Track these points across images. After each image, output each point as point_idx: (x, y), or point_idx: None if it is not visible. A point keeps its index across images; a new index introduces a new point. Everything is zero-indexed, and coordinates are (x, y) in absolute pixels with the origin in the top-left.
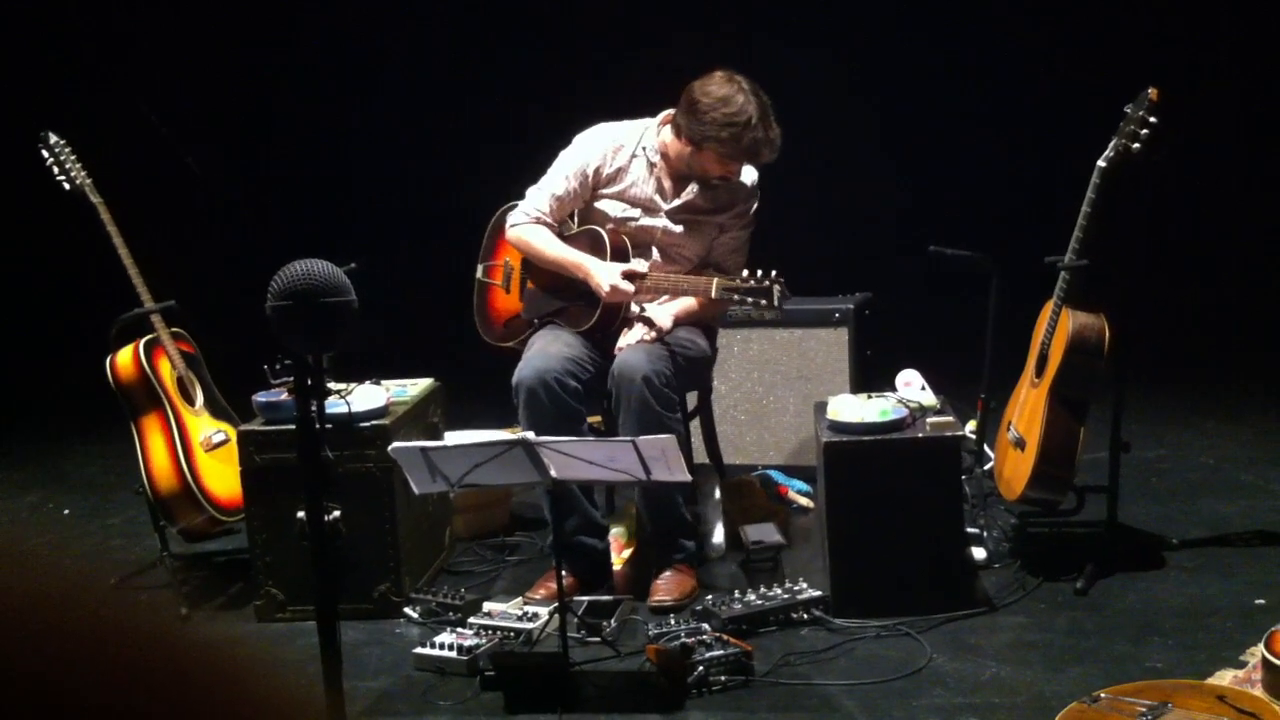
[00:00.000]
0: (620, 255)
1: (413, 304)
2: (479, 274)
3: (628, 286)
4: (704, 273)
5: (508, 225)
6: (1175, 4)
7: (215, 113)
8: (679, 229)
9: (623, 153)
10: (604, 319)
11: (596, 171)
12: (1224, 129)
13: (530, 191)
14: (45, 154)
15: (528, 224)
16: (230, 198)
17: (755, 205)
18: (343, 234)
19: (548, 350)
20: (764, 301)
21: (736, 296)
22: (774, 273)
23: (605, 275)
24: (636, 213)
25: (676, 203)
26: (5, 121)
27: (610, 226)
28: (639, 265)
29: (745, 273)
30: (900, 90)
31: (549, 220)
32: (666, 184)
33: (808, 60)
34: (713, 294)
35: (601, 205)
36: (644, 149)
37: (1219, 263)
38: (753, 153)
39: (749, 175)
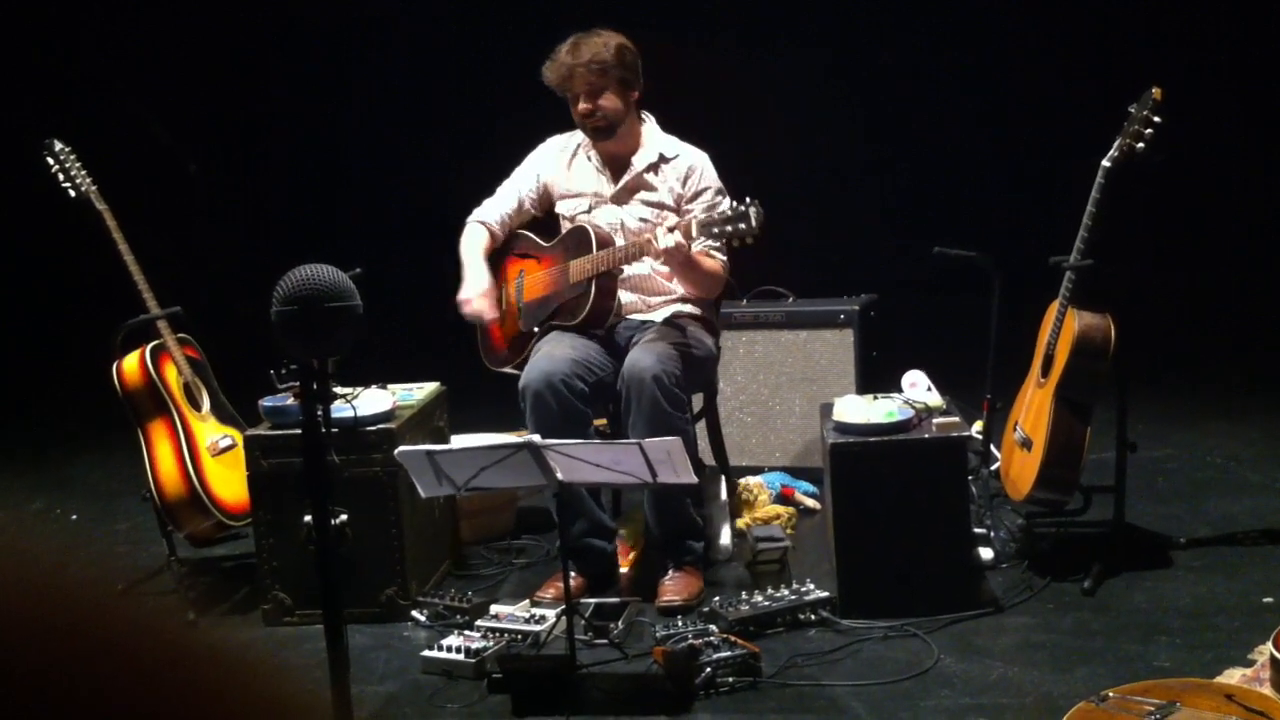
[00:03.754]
0: (606, 246)
1: (417, 308)
2: None
3: (473, 306)
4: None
5: (467, 226)
6: (1179, 2)
7: (216, 117)
8: (632, 215)
9: (565, 154)
10: (597, 307)
11: (546, 186)
12: (1229, 127)
13: (485, 201)
14: (50, 161)
15: (472, 223)
16: (232, 201)
17: (709, 186)
18: (346, 238)
19: (554, 353)
20: (743, 226)
21: (715, 229)
22: (748, 198)
23: (465, 293)
24: (585, 204)
25: (615, 187)
26: (10, 129)
27: (574, 222)
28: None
29: (724, 206)
30: (904, 91)
31: (491, 224)
32: (606, 173)
33: (811, 61)
34: (693, 233)
35: (559, 207)
36: (579, 144)
37: (1225, 262)
38: (565, 76)
39: (689, 154)
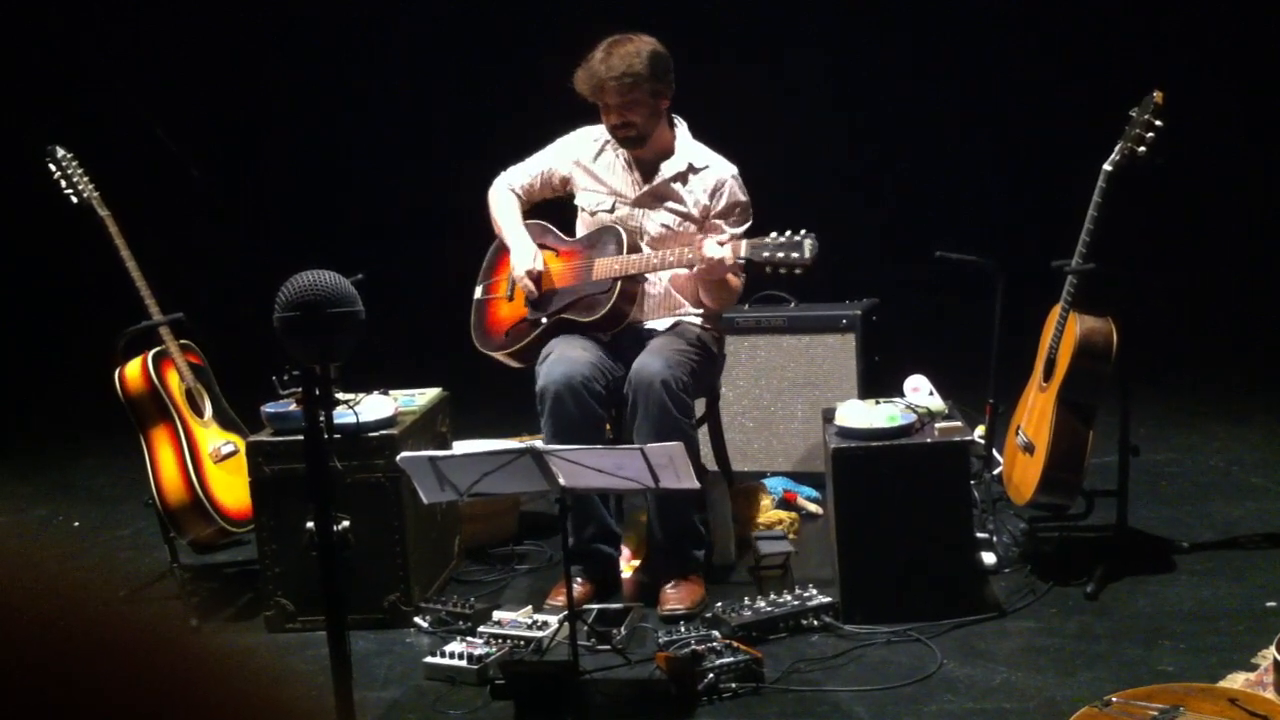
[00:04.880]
0: (634, 250)
1: (419, 314)
2: (479, 294)
3: (532, 276)
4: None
5: (493, 187)
6: (1179, 5)
7: (217, 122)
8: (655, 222)
9: (595, 146)
10: (617, 309)
11: (569, 174)
12: (1230, 129)
13: (513, 167)
14: (52, 167)
15: (504, 189)
16: (233, 206)
17: (738, 202)
18: (348, 243)
19: (570, 355)
20: (795, 255)
21: (766, 254)
22: (804, 230)
23: (521, 259)
24: (608, 202)
25: (642, 190)
26: (12, 135)
27: (594, 217)
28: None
29: (774, 233)
30: (905, 94)
31: (519, 192)
32: (635, 173)
33: (812, 63)
34: (742, 253)
35: (578, 199)
36: (608, 141)
37: (1225, 265)
38: (596, 87)
39: (718, 167)
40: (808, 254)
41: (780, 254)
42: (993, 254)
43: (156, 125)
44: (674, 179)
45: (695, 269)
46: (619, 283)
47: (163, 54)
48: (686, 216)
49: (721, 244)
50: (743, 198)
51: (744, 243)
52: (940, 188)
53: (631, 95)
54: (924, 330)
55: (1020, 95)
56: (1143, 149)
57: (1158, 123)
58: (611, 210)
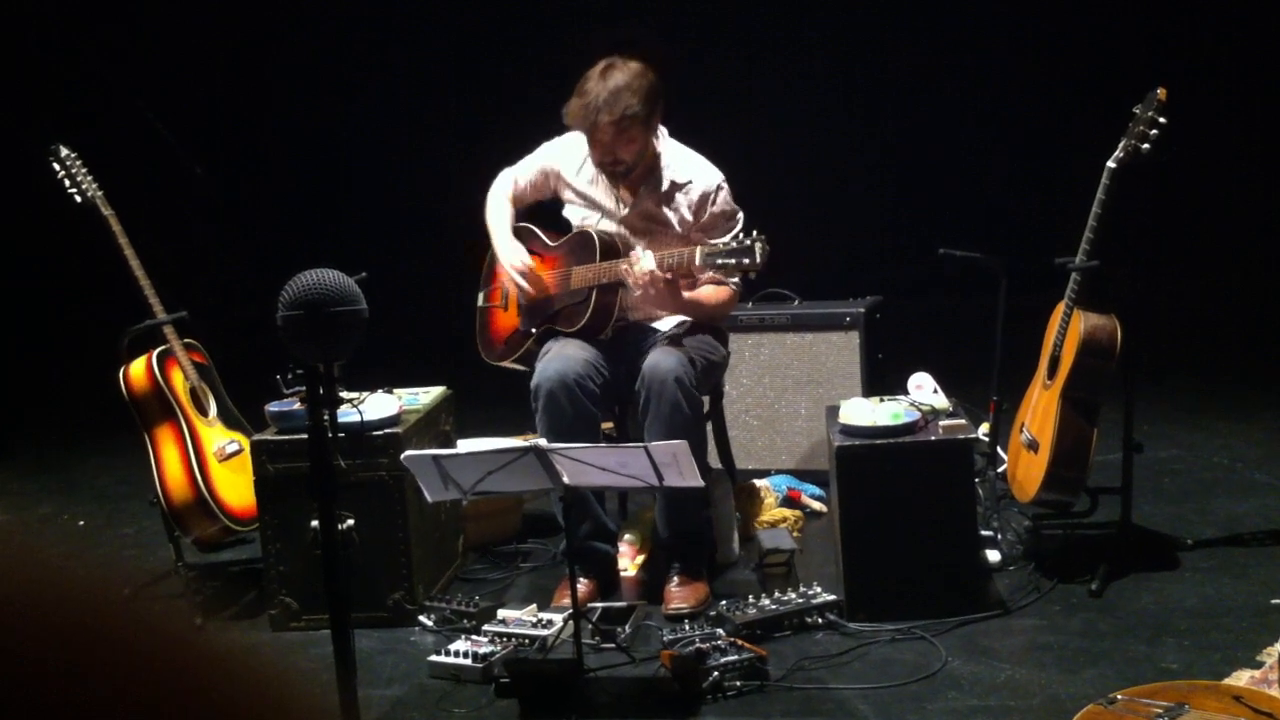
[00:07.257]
0: (610, 253)
1: (423, 312)
2: (480, 301)
3: (523, 275)
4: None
5: (491, 189)
6: (1184, 2)
7: (220, 121)
8: (643, 241)
9: (580, 156)
10: (596, 318)
11: (555, 187)
12: (1233, 126)
13: (509, 169)
14: (56, 166)
15: (501, 193)
16: (236, 205)
17: (721, 212)
18: (351, 242)
19: (565, 353)
20: (746, 261)
21: (719, 260)
22: (755, 231)
23: (508, 257)
24: (595, 216)
25: (627, 209)
26: (16, 134)
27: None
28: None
29: (728, 237)
30: (909, 93)
31: (513, 196)
32: (620, 190)
33: (816, 61)
34: (696, 261)
35: (566, 211)
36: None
37: (1229, 262)
38: (590, 122)
39: (702, 179)
40: (758, 257)
41: (732, 259)
42: (997, 251)
43: (157, 122)
44: (658, 199)
45: (636, 292)
46: (594, 292)
47: (163, 54)
48: (673, 235)
49: (661, 260)
50: (728, 208)
51: (698, 249)
52: (944, 185)
53: (627, 134)
54: (928, 328)
55: (1024, 92)
56: (1146, 146)
57: (1161, 119)
58: (596, 223)
